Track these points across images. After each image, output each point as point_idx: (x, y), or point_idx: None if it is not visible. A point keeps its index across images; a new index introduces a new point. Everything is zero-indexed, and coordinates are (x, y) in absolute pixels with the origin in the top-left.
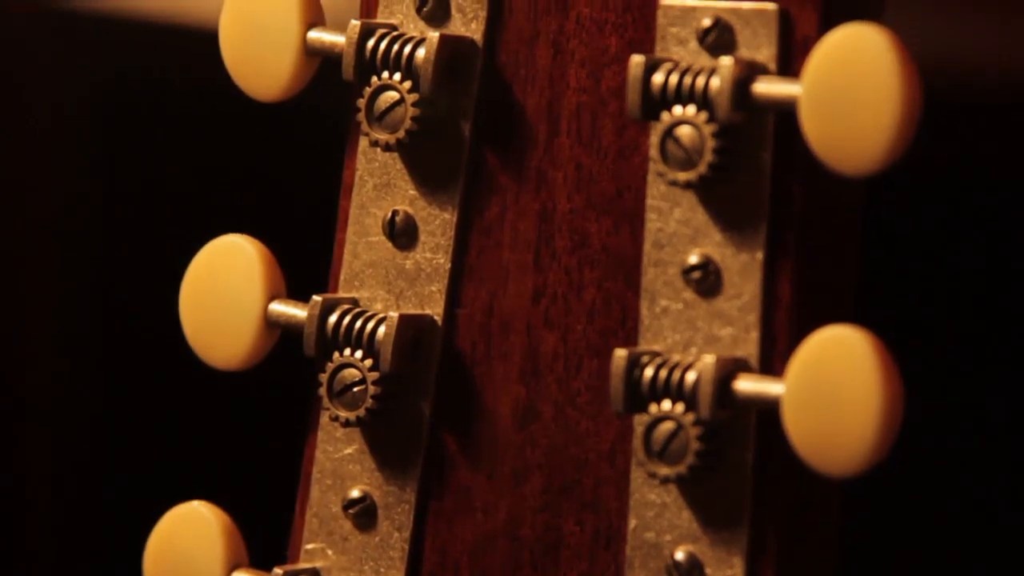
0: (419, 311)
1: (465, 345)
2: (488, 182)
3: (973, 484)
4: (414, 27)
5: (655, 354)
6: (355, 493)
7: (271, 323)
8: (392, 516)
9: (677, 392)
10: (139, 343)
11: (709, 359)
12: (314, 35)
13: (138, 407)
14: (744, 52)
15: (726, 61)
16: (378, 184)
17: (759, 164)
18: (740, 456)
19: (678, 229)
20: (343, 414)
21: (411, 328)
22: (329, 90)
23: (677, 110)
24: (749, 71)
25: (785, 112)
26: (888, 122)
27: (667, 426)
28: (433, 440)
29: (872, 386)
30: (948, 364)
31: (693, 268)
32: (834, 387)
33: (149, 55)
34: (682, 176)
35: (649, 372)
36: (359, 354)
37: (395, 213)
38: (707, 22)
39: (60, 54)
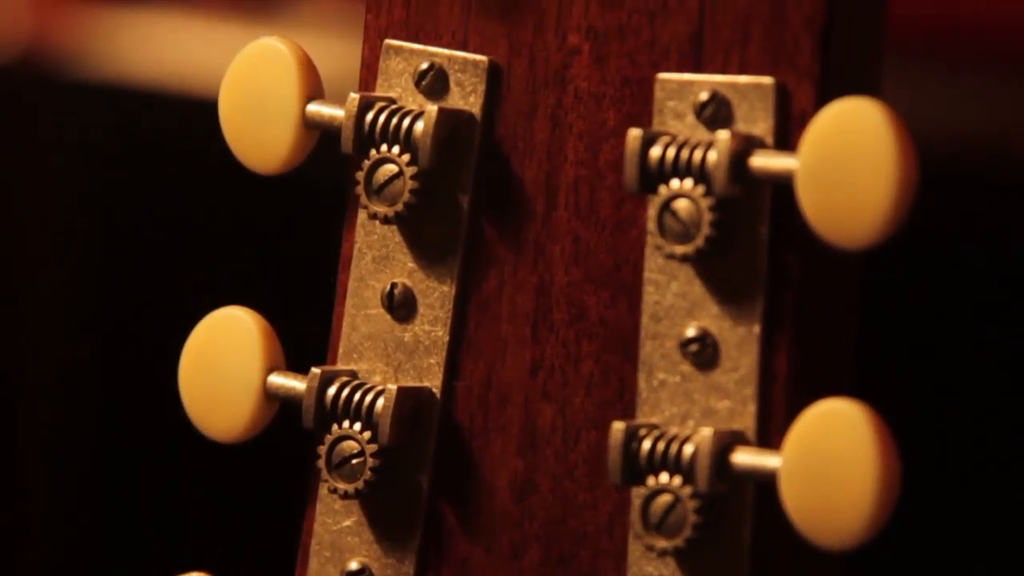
0: (418, 383)
1: (463, 417)
2: (486, 255)
3: (972, 557)
4: (413, 100)
5: (653, 427)
6: (353, 565)
7: (270, 395)
8: None
9: (674, 465)
10: (137, 411)
11: (706, 432)
12: (313, 108)
13: (136, 477)
14: (741, 126)
15: (723, 135)
16: (377, 257)
17: (756, 237)
18: (737, 529)
19: (675, 302)
20: (342, 486)
21: (410, 400)
22: (328, 161)
23: (674, 183)
24: (746, 145)
25: (782, 185)
26: (885, 196)
27: (665, 499)
28: (431, 512)
29: (869, 460)
30: (946, 437)
31: (690, 341)
32: (831, 460)
33: (150, 123)
34: (679, 249)
35: (647, 445)
36: (358, 426)
37: (394, 286)
38: (704, 96)
39: (61, 120)
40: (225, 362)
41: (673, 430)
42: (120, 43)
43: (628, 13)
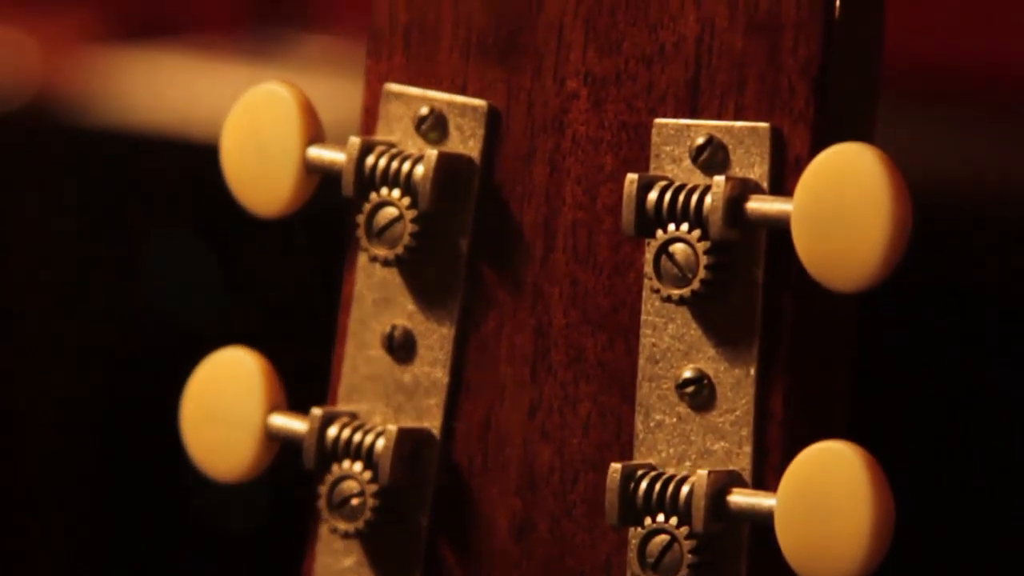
0: (417, 425)
1: (462, 458)
2: (485, 297)
3: None
4: (412, 144)
5: (650, 467)
6: None
7: (271, 435)
8: None
9: (671, 505)
10: (137, 452)
11: (702, 473)
12: (314, 152)
13: (135, 519)
14: (737, 170)
15: (719, 180)
16: (377, 299)
17: (752, 280)
18: (733, 568)
19: (672, 344)
20: (342, 526)
21: (410, 441)
22: (329, 204)
23: (671, 227)
24: (742, 189)
25: (778, 229)
26: (879, 240)
27: (661, 539)
28: (431, 552)
29: (864, 501)
30: (940, 479)
31: (687, 383)
32: (826, 501)
33: (154, 166)
34: (676, 292)
35: (644, 485)
36: (358, 467)
37: (394, 328)
38: (700, 140)
39: (68, 165)
40: (227, 402)
41: (670, 471)
42: (124, 88)
43: (625, 59)
